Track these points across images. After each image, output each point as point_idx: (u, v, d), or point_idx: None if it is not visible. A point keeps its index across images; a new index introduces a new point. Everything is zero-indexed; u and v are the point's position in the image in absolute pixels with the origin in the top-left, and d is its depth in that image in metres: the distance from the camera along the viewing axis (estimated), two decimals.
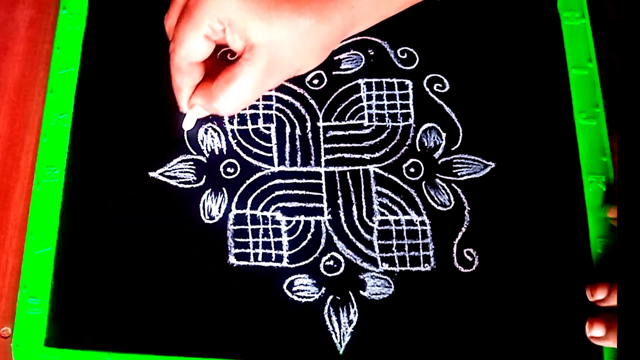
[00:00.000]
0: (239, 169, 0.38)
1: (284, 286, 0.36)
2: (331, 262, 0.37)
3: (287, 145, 0.39)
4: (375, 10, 0.31)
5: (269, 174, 0.38)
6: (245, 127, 0.39)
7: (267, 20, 0.28)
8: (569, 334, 0.35)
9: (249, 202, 0.38)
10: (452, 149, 0.39)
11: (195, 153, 0.39)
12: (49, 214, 0.38)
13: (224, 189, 0.38)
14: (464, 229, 0.37)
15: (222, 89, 0.30)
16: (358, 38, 0.41)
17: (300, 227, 0.37)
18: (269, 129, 0.39)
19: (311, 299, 0.36)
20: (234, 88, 0.30)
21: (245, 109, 0.40)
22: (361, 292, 0.36)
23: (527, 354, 0.35)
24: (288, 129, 0.39)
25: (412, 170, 0.38)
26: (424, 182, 0.38)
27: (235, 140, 0.39)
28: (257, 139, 0.39)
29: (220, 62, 0.33)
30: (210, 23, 0.28)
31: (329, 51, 0.31)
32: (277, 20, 0.28)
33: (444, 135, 0.39)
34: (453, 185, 0.38)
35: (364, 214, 0.37)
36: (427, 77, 0.40)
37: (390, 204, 0.37)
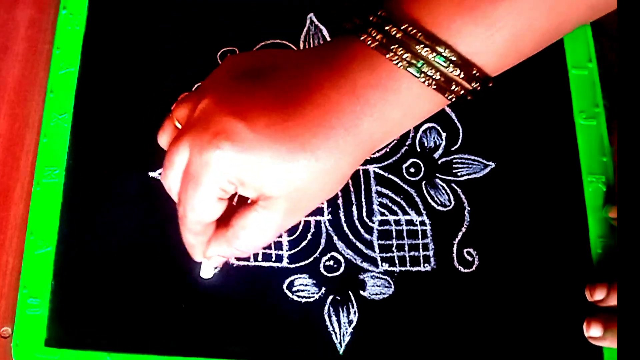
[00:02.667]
0: None
1: (284, 286, 0.36)
2: (331, 262, 0.37)
3: None
4: (388, 134, 0.27)
5: None
6: None
7: (283, 173, 0.25)
8: (569, 334, 0.35)
9: (249, 202, 0.38)
10: (452, 149, 0.39)
11: None
12: (49, 214, 0.38)
13: None
14: (464, 229, 0.37)
15: (239, 236, 0.27)
16: None
17: (300, 227, 0.37)
18: None
19: (311, 299, 0.36)
20: (250, 234, 0.27)
21: None
22: (361, 292, 0.36)
23: (527, 354, 0.35)
24: None
25: (412, 170, 0.38)
26: (424, 182, 0.38)
27: None
28: None
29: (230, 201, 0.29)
30: (221, 185, 0.25)
31: (350, 175, 0.28)
32: (293, 171, 0.25)
33: (444, 135, 0.39)
34: (453, 185, 0.38)
35: (364, 214, 0.37)
36: None
37: (390, 204, 0.37)
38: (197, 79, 0.40)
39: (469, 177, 0.38)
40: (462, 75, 0.25)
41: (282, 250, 0.37)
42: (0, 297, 0.37)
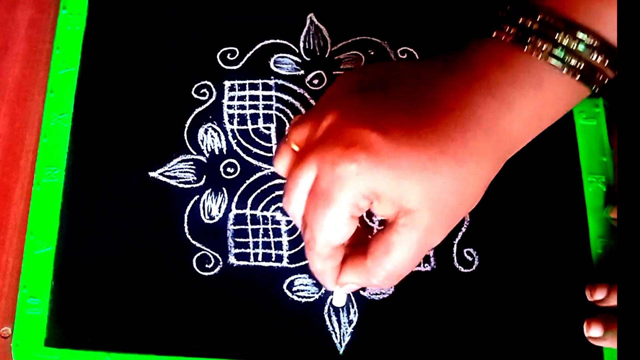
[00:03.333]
0: (239, 169, 0.38)
1: (284, 286, 0.36)
2: None
3: None
4: (529, 132, 0.26)
5: (269, 174, 0.38)
6: (245, 127, 0.39)
7: (425, 182, 0.23)
8: (569, 334, 0.35)
9: (249, 202, 0.38)
10: None
11: (195, 153, 0.39)
12: (49, 214, 0.38)
13: (224, 188, 0.38)
14: (464, 229, 0.37)
15: (381, 263, 0.25)
16: (358, 38, 0.41)
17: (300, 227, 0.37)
18: (269, 129, 0.39)
19: (311, 299, 0.36)
20: (395, 259, 0.25)
21: (245, 109, 0.40)
22: (361, 292, 0.36)
23: (527, 354, 0.35)
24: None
25: None
26: None
27: (235, 140, 0.39)
28: (257, 139, 0.39)
29: (360, 225, 0.27)
30: (355, 201, 0.23)
31: (490, 181, 0.26)
32: (436, 180, 0.23)
33: None
34: None
35: (364, 214, 0.37)
36: None
37: None
38: (197, 79, 0.40)
39: None
40: (606, 63, 0.23)
41: (282, 250, 0.37)
42: (0, 297, 0.37)
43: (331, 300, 0.36)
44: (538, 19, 0.23)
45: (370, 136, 0.23)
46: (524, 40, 0.23)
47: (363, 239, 0.27)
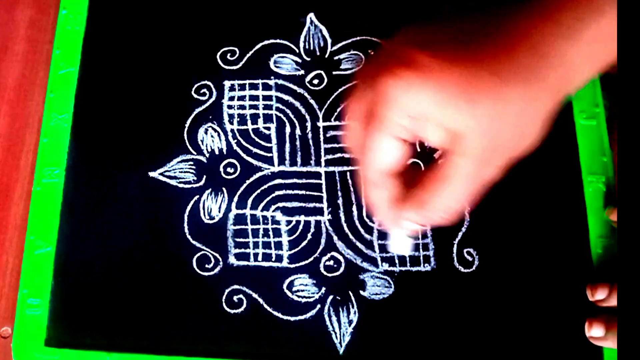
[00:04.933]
0: (239, 169, 0.38)
1: (284, 286, 0.36)
2: (331, 262, 0.37)
3: (287, 145, 0.39)
4: (590, 63, 0.24)
5: (269, 174, 0.38)
6: (245, 127, 0.39)
7: (471, 102, 0.22)
8: (569, 334, 0.35)
9: (249, 202, 0.38)
10: None
11: (195, 153, 0.39)
12: (49, 214, 0.38)
13: (224, 189, 0.38)
14: (464, 229, 0.37)
15: (435, 192, 0.24)
16: (358, 38, 0.41)
17: (300, 227, 0.37)
18: (269, 129, 0.39)
19: (311, 299, 0.36)
20: (449, 188, 0.24)
21: (245, 109, 0.40)
22: (361, 292, 0.36)
23: (527, 354, 0.35)
24: (288, 129, 0.39)
25: None
26: None
27: (235, 140, 0.39)
28: (257, 139, 0.39)
29: (413, 171, 0.27)
30: (400, 120, 0.23)
31: (548, 120, 0.25)
32: (483, 100, 0.22)
33: None
34: None
35: (364, 214, 0.37)
36: None
37: None
38: (197, 79, 0.40)
39: None
40: None
41: (282, 250, 0.37)
42: (0, 297, 0.37)
43: (331, 300, 0.36)
44: None
45: (419, 56, 0.22)
46: None
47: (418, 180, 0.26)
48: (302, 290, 0.36)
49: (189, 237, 0.37)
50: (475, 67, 0.22)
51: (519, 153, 0.25)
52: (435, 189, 0.24)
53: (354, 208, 0.37)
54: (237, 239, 0.37)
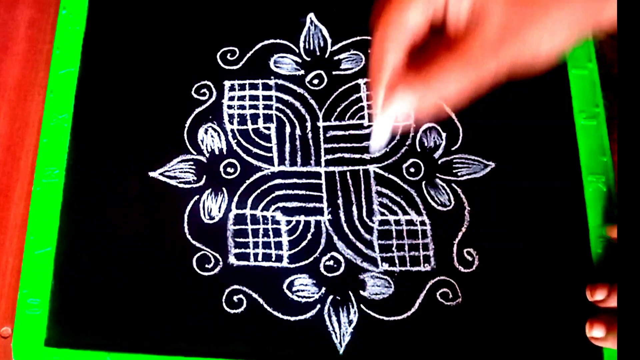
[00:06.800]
0: (239, 169, 0.38)
1: (284, 286, 0.36)
2: (331, 262, 0.37)
3: (287, 145, 0.39)
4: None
5: (269, 173, 0.38)
6: (245, 127, 0.39)
7: None
8: (569, 334, 0.35)
9: (249, 202, 0.38)
10: (452, 148, 0.39)
11: (195, 153, 0.39)
12: (49, 214, 0.38)
13: (224, 189, 0.38)
14: (464, 229, 0.37)
15: (445, 66, 0.23)
16: (358, 38, 0.41)
17: (300, 227, 0.37)
18: (269, 129, 0.39)
19: (311, 299, 0.36)
20: (461, 66, 0.22)
21: (245, 109, 0.40)
22: (361, 292, 0.36)
23: (527, 354, 0.35)
24: (288, 129, 0.39)
25: (412, 170, 0.38)
26: (424, 182, 0.38)
27: (235, 140, 0.39)
28: (257, 139, 0.39)
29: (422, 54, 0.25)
30: None
31: (568, 43, 0.23)
32: None
33: (443, 135, 0.39)
34: (453, 185, 0.38)
35: (364, 214, 0.37)
36: None
37: (390, 204, 0.37)
38: (197, 79, 0.40)
39: (469, 177, 0.38)
40: None
41: (282, 250, 0.37)
42: (0, 297, 0.37)
43: (331, 300, 0.36)
44: None
45: None
46: None
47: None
48: (302, 290, 0.36)
49: (189, 237, 0.37)
50: None
51: (526, 59, 0.23)
52: (447, 62, 0.23)
53: (354, 208, 0.37)
54: (237, 239, 0.37)
